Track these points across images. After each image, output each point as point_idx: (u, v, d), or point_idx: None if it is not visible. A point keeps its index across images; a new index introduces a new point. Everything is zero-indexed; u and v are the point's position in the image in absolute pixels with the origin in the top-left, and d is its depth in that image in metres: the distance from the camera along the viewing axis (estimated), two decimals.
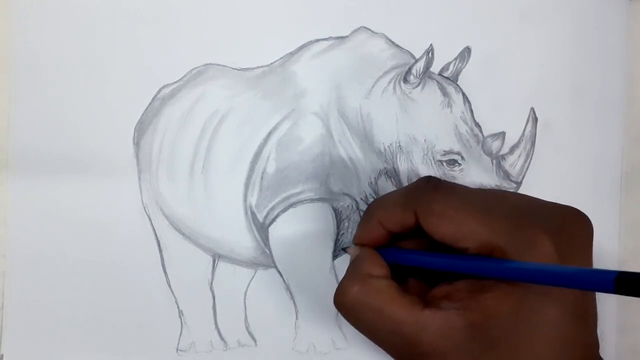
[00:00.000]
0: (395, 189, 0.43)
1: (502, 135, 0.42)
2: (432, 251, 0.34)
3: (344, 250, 0.42)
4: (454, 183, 0.34)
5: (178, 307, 0.42)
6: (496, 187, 0.43)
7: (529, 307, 0.29)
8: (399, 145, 0.42)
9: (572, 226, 0.31)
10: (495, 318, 0.29)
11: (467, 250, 0.30)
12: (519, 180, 0.43)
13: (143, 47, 0.42)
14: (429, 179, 0.34)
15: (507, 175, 0.43)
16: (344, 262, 0.43)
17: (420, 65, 0.42)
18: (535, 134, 0.44)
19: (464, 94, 0.43)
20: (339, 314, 0.42)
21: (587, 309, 0.31)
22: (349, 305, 0.33)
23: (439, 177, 0.42)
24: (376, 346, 0.43)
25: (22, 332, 0.42)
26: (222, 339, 0.43)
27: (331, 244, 0.43)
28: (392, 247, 0.35)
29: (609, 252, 0.45)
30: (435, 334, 0.30)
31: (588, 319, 0.31)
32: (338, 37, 0.43)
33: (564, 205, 0.32)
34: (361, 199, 0.43)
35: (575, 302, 0.30)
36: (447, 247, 0.32)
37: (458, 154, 0.42)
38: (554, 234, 0.29)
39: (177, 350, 0.42)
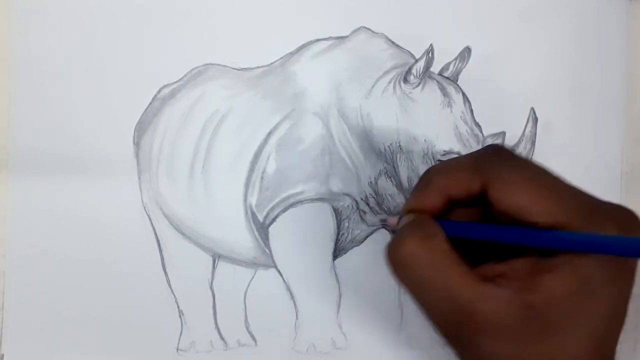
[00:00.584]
0: (395, 189, 0.43)
1: (502, 135, 0.42)
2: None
3: (382, 222, 0.42)
4: (522, 156, 0.32)
5: (178, 307, 0.42)
6: None
7: (591, 291, 0.29)
8: (399, 145, 0.42)
9: (633, 225, 0.30)
10: (555, 300, 0.28)
11: (536, 224, 0.29)
12: None
13: (143, 47, 0.42)
14: (500, 147, 0.32)
15: None
16: (344, 262, 0.43)
17: (420, 65, 0.42)
18: (535, 134, 0.44)
19: (464, 94, 0.43)
20: (339, 314, 0.43)
21: (625, 308, 0.30)
22: (405, 257, 0.30)
23: None
24: (376, 346, 0.43)
25: (22, 332, 0.42)
26: (222, 338, 0.43)
27: (331, 244, 0.43)
28: (448, 220, 0.33)
29: None
30: (493, 309, 0.29)
31: (622, 319, 0.30)
32: (338, 37, 0.43)
33: (623, 206, 0.32)
34: (361, 199, 0.43)
35: (619, 301, 0.29)
36: (495, 219, 0.31)
37: (458, 153, 0.42)
38: (620, 226, 0.29)
39: (177, 350, 0.42)
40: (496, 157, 0.32)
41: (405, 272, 0.31)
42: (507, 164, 0.31)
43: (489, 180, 0.30)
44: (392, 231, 0.43)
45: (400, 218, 0.37)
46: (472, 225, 0.32)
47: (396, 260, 0.31)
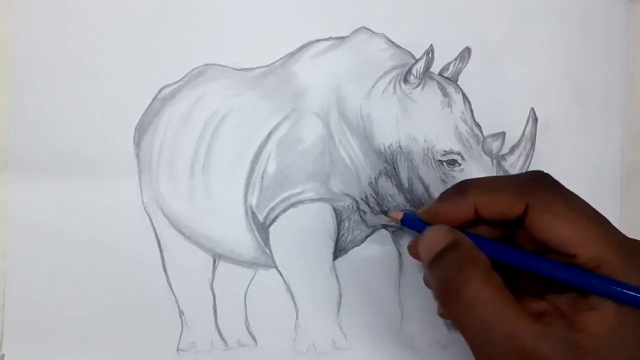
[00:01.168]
0: (395, 189, 0.43)
1: (502, 135, 0.42)
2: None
3: (384, 213, 0.41)
4: (565, 187, 0.32)
5: (178, 307, 0.42)
6: None
7: (633, 329, 0.29)
8: (399, 145, 0.42)
9: None
10: (600, 339, 0.28)
11: (575, 258, 0.29)
12: None
13: (144, 48, 0.42)
14: (545, 174, 0.32)
15: None
16: (344, 262, 0.43)
17: (420, 65, 0.42)
18: (535, 134, 0.44)
19: (464, 94, 0.43)
20: (339, 314, 0.43)
21: None
22: (470, 297, 0.29)
23: (440, 178, 0.42)
24: (376, 346, 0.43)
25: (22, 332, 0.42)
26: (222, 338, 0.43)
27: (331, 244, 0.43)
28: (475, 235, 0.32)
29: None
30: (547, 350, 0.28)
31: None
32: (338, 37, 0.43)
33: None
34: (361, 199, 0.43)
35: None
36: (525, 244, 0.31)
37: (458, 154, 0.42)
38: None
39: (177, 350, 0.42)
40: (542, 185, 0.32)
41: (467, 311, 0.29)
42: (553, 192, 0.31)
43: (532, 207, 0.30)
44: (393, 232, 0.43)
45: (405, 215, 0.37)
46: (513, 251, 0.32)
47: (458, 297, 0.30)
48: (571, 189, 0.32)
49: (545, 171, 0.33)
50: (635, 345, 0.29)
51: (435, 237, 0.32)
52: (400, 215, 0.37)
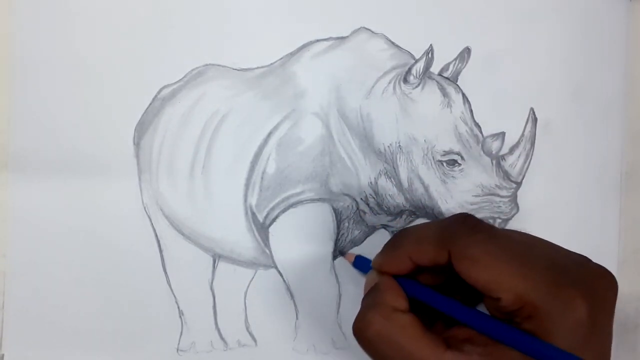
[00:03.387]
0: (394, 189, 0.43)
1: (502, 135, 0.42)
2: (451, 285, 0.33)
3: (341, 253, 0.43)
4: (491, 225, 0.33)
5: (178, 307, 0.42)
6: (496, 187, 0.42)
7: None
8: (399, 146, 0.42)
9: (603, 289, 0.31)
10: None
11: (499, 301, 0.30)
12: (518, 181, 0.43)
13: (143, 48, 0.42)
14: (466, 217, 0.33)
15: (507, 175, 0.43)
16: (344, 262, 0.43)
17: (420, 65, 0.42)
18: (535, 134, 0.44)
19: (463, 94, 0.43)
20: (339, 314, 0.43)
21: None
22: (370, 339, 0.32)
23: (439, 178, 0.42)
24: None
25: (22, 332, 0.42)
26: (222, 339, 0.43)
27: (331, 244, 0.43)
28: (414, 281, 0.34)
29: (609, 252, 0.45)
30: None
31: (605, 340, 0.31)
32: (338, 37, 0.43)
33: (595, 264, 0.32)
34: (361, 199, 0.43)
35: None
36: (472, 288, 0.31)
37: (458, 154, 0.42)
38: (589, 298, 0.29)
39: (177, 350, 0.42)
40: (461, 230, 0.32)
41: (372, 350, 0.32)
42: (471, 237, 0.31)
43: (453, 254, 0.31)
44: (393, 232, 0.43)
45: (357, 258, 0.41)
46: (433, 294, 0.33)
47: (363, 339, 0.32)
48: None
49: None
50: None
51: (366, 282, 0.36)
52: (352, 258, 0.41)
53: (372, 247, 0.43)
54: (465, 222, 0.33)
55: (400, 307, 0.32)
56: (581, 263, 0.32)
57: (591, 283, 0.30)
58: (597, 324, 0.29)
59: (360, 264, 0.41)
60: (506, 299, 0.30)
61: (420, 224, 0.35)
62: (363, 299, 0.35)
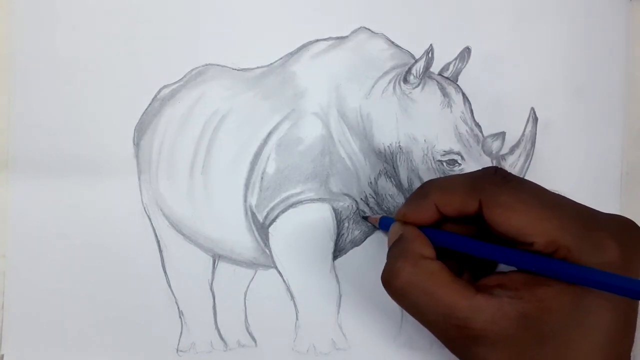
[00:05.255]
0: (394, 189, 0.43)
1: (502, 135, 0.42)
2: (477, 238, 0.33)
3: (365, 218, 0.42)
4: (521, 177, 0.33)
5: (178, 308, 0.42)
6: None
7: (586, 307, 0.29)
8: (399, 146, 0.42)
9: (633, 235, 0.31)
10: (550, 312, 0.29)
11: (532, 245, 0.30)
12: None
13: (143, 48, 0.42)
14: (497, 168, 0.33)
15: None
16: (344, 262, 0.43)
17: (420, 65, 0.42)
18: (535, 134, 0.44)
19: (464, 94, 0.43)
20: (339, 314, 0.43)
21: (634, 317, 0.31)
22: (400, 287, 0.32)
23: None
24: (376, 346, 0.43)
25: (22, 332, 0.42)
26: (222, 339, 0.43)
27: (331, 244, 0.43)
28: (441, 230, 0.34)
29: None
30: (486, 320, 0.30)
31: (632, 328, 0.31)
32: (338, 37, 0.43)
33: (621, 216, 0.32)
34: (361, 199, 0.43)
35: (627, 310, 0.30)
36: (493, 238, 0.31)
37: (458, 154, 0.42)
38: (619, 241, 0.29)
39: (177, 350, 0.42)
40: (492, 179, 0.32)
41: (403, 299, 0.32)
42: (502, 186, 0.32)
43: (484, 203, 0.31)
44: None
45: (382, 218, 0.39)
46: (465, 240, 0.33)
47: (392, 289, 0.32)
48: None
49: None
50: (591, 320, 0.29)
51: (390, 234, 0.36)
52: (377, 219, 0.40)
53: (372, 247, 0.43)
54: (497, 173, 0.33)
55: (427, 254, 0.32)
56: (609, 214, 0.32)
57: (621, 228, 0.31)
58: (629, 267, 0.29)
59: (386, 224, 0.39)
60: (540, 243, 0.30)
61: (447, 176, 0.35)
62: (388, 251, 0.34)
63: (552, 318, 0.29)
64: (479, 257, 0.32)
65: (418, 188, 0.35)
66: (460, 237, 0.33)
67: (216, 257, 0.43)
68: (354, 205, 0.43)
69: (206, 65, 0.42)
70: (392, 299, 0.33)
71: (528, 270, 0.30)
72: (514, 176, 0.33)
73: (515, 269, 0.32)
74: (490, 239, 0.32)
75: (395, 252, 0.33)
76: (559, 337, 0.29)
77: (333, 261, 0.43)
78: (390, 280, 0.32)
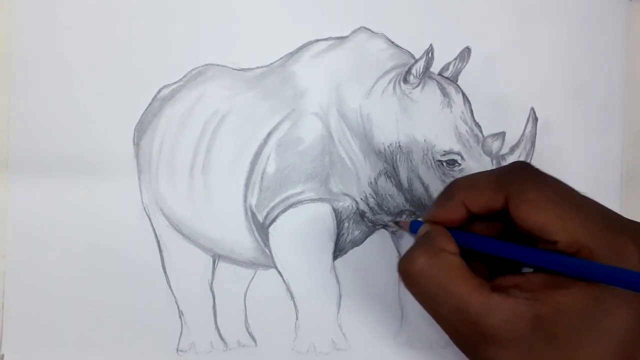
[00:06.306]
0: (394, 189, 0.43)
1: (502, 135, 0.42)
2: (500, 238, 0.33)
3: (396, 224, 0.42)
4: (547, 174, 0.33)
5: (178, 308, 0.42)
6: None
7: (602, 310, 0.29)
8: (399, 145, 0.42)
9: None
10: (565, 315, 0.29)
11: (556, 244, 0.30)
12: None
13: (143, 48, 0.42)
14: (524, 164, 0.33)
15: None
16: (344, 262, 0.43)
17: (420, 65, 0.42)
18: (535, 134, 0.44)
19: (464, 94, 0.43)
20: (339, 314, 0.43)
21: None
22: (415, 275, 0.31)
23: (439, 178, 0.42)
24: (376, 346, 0.43)
25: (22, 332, 0.42)
26: (222, 339, 0.43)
27: (331, 244, 0.43)
28: (467, 232, 0.34)
29: None
30: (501, 320, 0.29)
31: None
32: (338, 37, 0.43)
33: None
34: (361, 199, 0.43)
35: None
36: (520, 236, 0.31)
37: (458, 154, 0.42)
38: None
39: (177, 350, 0.42)
40: (520, 175, 0.32)
41: (416, 288, 0.32)
42: (530, 182, 0.31)
43: (511, 198, 0.31)
44: (393, 232, 0.43)
45: (412, 222, 0.38)
46: (488, 240, 0.33)
47: (407, 275, 0.32)
48: None
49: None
50: (607, 324, 0.29)
51: (418, 236, 0.35)
52: (408, 223, 0.39)
53: (372, 247, 0.43)
54: (524, 168, 0.33)
55: (449, 249, 0.32)
56: (630, 220, 0.32)
57: None
58: None
59: (417, 228, 0.38)
60: (563, 241, 0.29)
61: (473, 173, 0.35)
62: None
63: (565, 321, 0.29)
64: (508, 260, 0.32)
65: (444, 187, 0.35)
66: (485, 238, 0.33)
67: (216, 257, 0.43)
68: (354, 205, 0.43)
69: (206, 65, 0.42)
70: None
71: (547, 272, 0.30)
72: (542, 172, 0.32)
73: (533, 270, 0.31)
74: (516, 238, 0.32)
75: (415, 245, 0.33)
76: (570, 340, 0.29)
77: (333, 261, 0.43)
78: (405, 268, 0.32)
